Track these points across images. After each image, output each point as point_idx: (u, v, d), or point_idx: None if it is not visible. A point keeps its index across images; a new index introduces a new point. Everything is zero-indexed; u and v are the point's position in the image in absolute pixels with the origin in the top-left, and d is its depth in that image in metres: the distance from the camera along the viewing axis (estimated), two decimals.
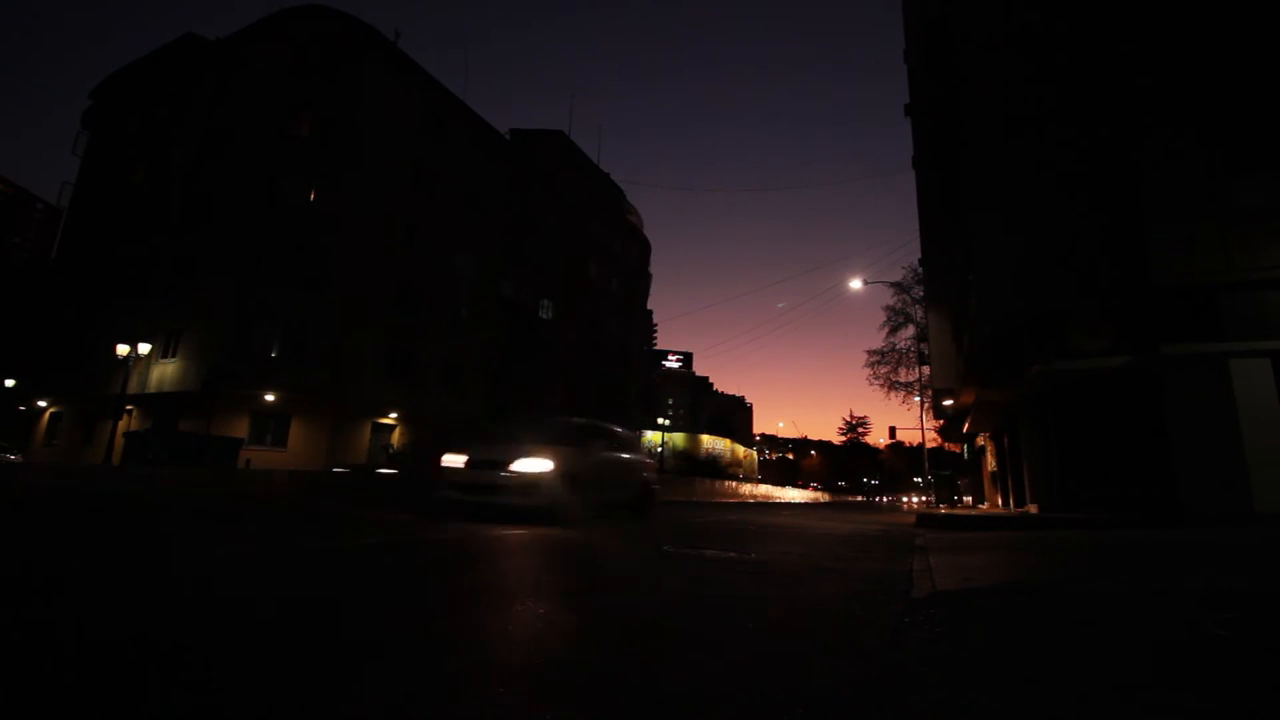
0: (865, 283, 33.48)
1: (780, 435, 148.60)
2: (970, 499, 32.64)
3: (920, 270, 31.39)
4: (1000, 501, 23.65)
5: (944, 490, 30.17)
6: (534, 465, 7.13)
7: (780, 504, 35.07)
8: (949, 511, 19.48)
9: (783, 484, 66.05)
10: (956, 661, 1.98)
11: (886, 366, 37.99)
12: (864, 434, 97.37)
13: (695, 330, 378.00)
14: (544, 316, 38.42)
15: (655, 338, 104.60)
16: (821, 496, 64.87)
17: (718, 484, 35.92)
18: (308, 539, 5.36)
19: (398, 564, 4.04)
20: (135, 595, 2.71)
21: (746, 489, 41.08)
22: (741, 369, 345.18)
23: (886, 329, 37.92)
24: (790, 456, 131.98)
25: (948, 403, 25.70)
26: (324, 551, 4.52)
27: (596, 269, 43.87)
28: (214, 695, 1.54)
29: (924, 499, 34.60)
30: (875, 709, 1.60)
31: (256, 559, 3.95)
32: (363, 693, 1.57)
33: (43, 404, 31.11)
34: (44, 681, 1.60)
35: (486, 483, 7.19)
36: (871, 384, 39.91)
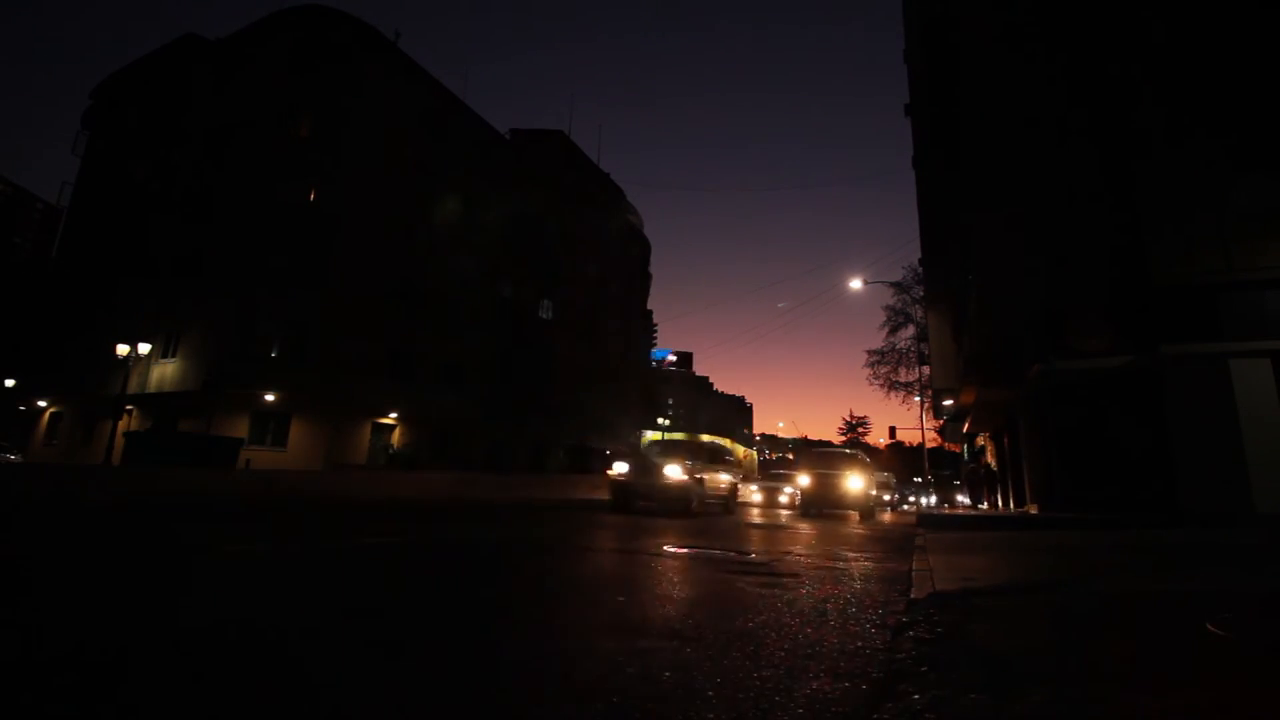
0: (865, 283, 33.42)
1: (780, 435, 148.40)
2: (968, 498, 32.63)
3: (920, 270, 31.40)
4: (1000, 501, 23.65)
5: (944, 490, 30.15)
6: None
7: None
8: (949, 511, 19.47)
9: None
10: (956, 661, 1.99)
11: (886, 366, 38.01)
12: (864, 434, 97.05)
13: (695, 330, 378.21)
14: (544, 316, 38.38)
15: (655, 338, 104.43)
16: None
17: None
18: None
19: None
20: None
21: None
22: (741, 369, 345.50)
23: (886, 329, 37.95)
24: (790, 456, 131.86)
25: (948, 403, 25.72)
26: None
27: (596, 269, 43.79)
28: None
29: (921, 500, 34.50)
30: (875, 708, 1.60)
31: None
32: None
33: (43, 404, 31.08)
34: None
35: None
36: (871, 384, 39.88)
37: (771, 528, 9.44)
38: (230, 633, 2.26)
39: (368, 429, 27.54)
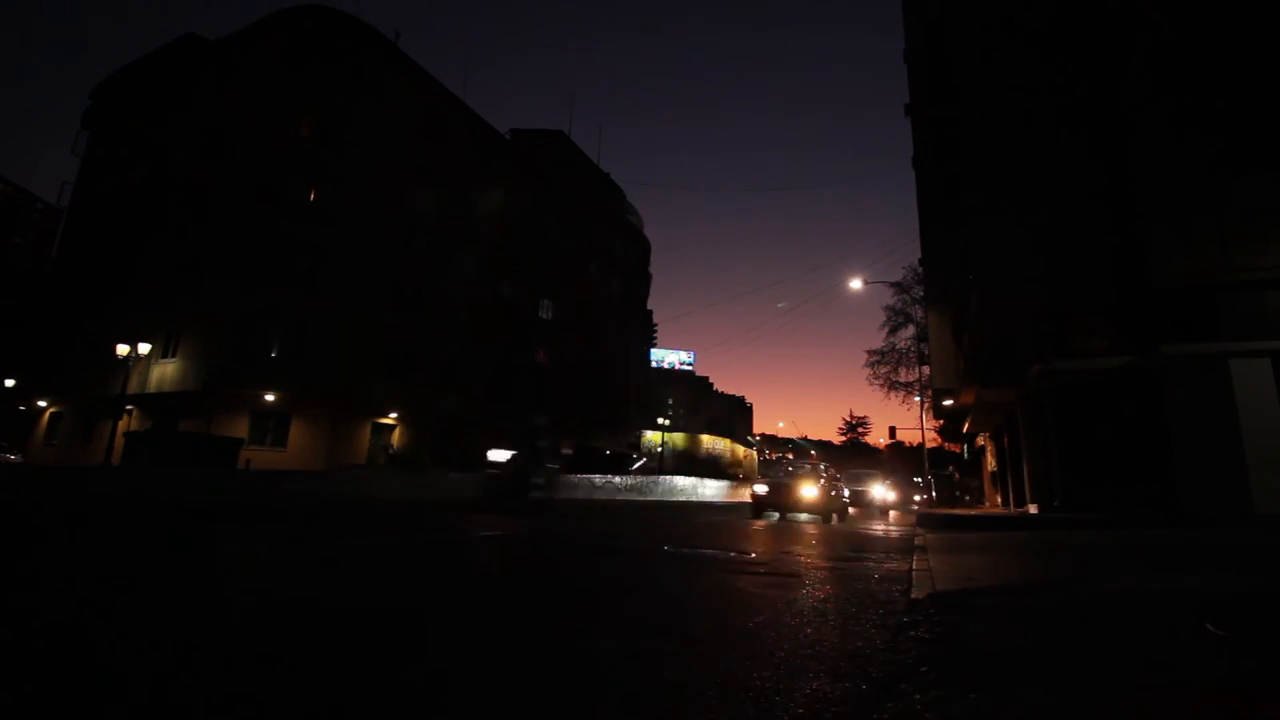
0: (865, 283, 33.41)
1: (780, 435, 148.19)
2: (968, 498, 32.61)
3: (920, 270, 31.33)
4: (1000, 501, 23.63)
5: (944, 490, 30.11)
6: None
7: None
8: (949, 512, 19.47)
9: None
10: (956, 661, 1.99)
11: (886, 366, 37.94)
12: (864, 434, 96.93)
13: (695, 330, 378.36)
14: (544, 316, 38.37)
15: (655, 338, 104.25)
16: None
17: (719, 484, 35.89)
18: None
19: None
20: None
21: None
22: (741, 369, 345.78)
23: (886, 329, 37.87)
24: (790, 456, 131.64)
25: (948, 403, 25.67)
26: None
27: (596, 269, 43.78)
28: None
29: (923, 499, 34.49)
30: (875, 708, 1.60)
31: None
32: None
33: (43, 404, 31.06)
34: None
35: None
36: (871, 384, 39.82)
37: (769, 529, 9.45)
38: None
39: (367, 429, 27.54)
